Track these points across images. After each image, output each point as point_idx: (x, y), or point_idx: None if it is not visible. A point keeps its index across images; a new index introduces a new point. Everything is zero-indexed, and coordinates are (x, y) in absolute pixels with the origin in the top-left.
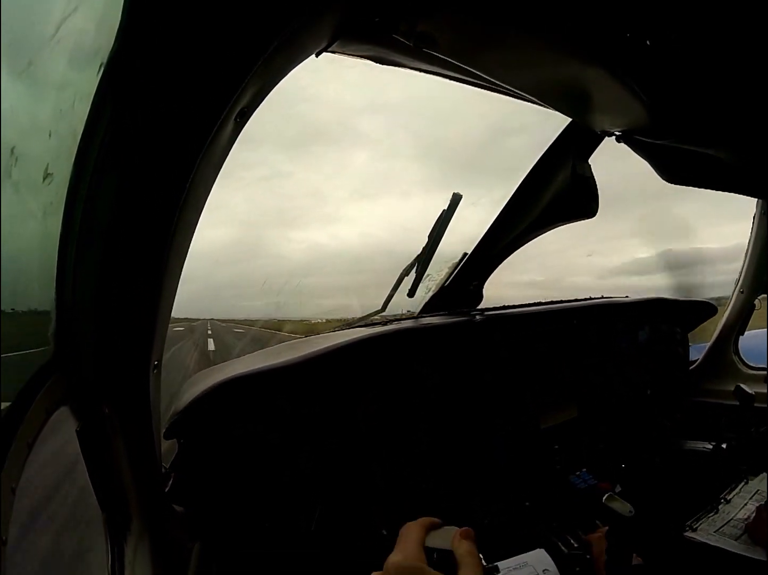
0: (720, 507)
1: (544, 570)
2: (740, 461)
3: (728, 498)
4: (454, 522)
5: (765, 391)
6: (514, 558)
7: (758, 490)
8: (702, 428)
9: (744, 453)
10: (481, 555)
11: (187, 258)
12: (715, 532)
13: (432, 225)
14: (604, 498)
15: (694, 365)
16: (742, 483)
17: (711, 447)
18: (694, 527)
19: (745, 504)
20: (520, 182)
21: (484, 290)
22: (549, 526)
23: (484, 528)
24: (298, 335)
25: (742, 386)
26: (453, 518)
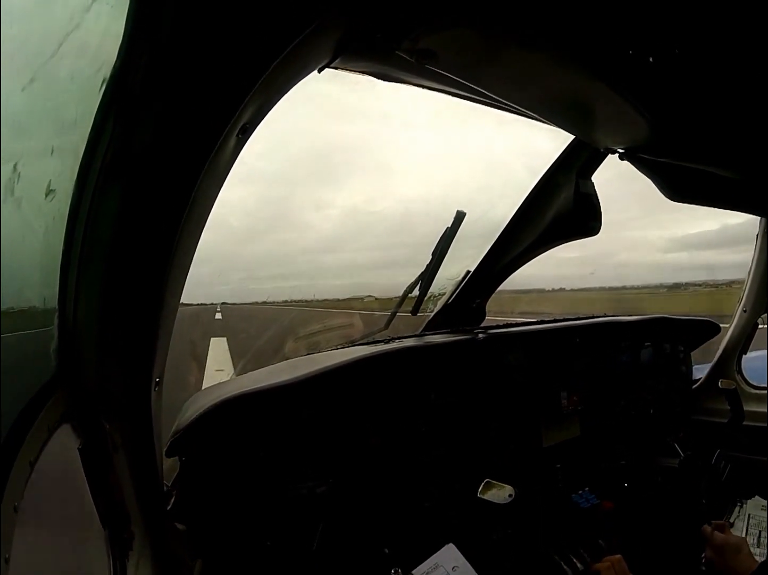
0: None
1: (453, 568)
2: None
3: (732, 522)
4: (457, 539)
5: (766, 411)
6: (426, 562)
7: (751, 515)
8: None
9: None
10: (399, 569)
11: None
12: None
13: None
14: (478, 491)
15: (697, 384)
16: (738, 506)
17: (677, 463)
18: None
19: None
20: (523, 198)
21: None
22: (553, 546)
23: (490, 545)
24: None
25: (723, 380)
26: (456, 536)
